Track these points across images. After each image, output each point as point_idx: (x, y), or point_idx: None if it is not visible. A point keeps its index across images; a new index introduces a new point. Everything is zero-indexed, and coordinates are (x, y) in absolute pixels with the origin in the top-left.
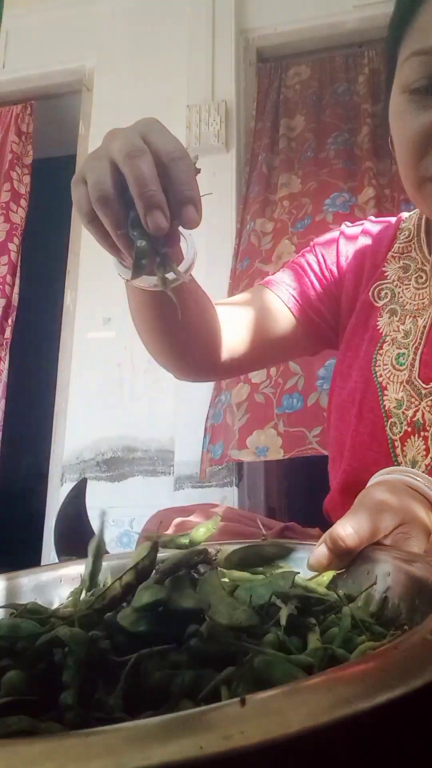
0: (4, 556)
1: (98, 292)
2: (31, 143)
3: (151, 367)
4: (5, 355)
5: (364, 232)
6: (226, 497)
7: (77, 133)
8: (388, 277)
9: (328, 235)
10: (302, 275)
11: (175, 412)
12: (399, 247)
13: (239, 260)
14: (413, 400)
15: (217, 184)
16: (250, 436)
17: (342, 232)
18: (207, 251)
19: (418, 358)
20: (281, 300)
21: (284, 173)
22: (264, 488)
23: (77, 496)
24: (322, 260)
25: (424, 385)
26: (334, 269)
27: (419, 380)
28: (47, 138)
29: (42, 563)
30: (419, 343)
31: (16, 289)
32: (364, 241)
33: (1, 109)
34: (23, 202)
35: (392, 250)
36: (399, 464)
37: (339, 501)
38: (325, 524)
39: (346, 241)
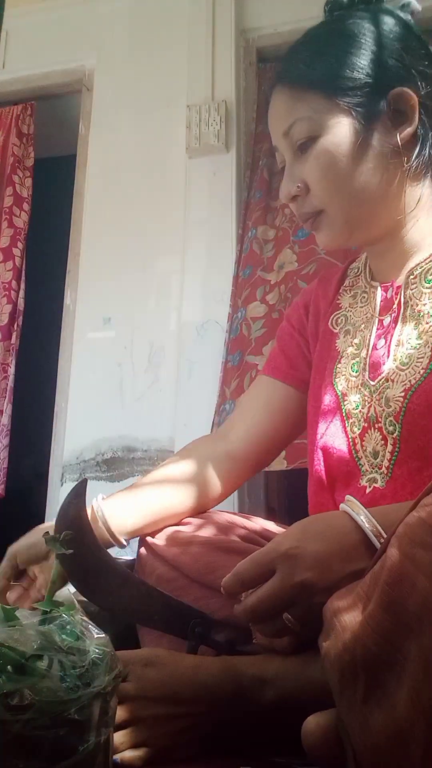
0: (4, 556)
1: (98, 292)
2: (32, 145)
3: (151, 367)
4: (12, 360)
5: (320, 280)
6: (227, 498)
7: (77, 133)
8: (342, 307)
9: (293, 304)
10: (288, 344)
11: (175, 412)
12: (349, 282)
13: (242, 268)
14: (366, 399)
15: (217, 184)
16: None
17: (302, 293)
18: (207, 251)
19: (367, 362)
20: (282, 382)
21: None
22: (264, 488)
23: (77, 496)
24: (294, 324)
25: (372, 383)
26: (304, 320)
27: (369, 380)
28: (47, 138)
29: None
30: (367, 350)
31: (22, 294)
32: (319, 287)
33: (1, 110)
34: (26, 206)
35: (344, 285)
36: (359, 458)
37: (313, 502)
38: None
39: (304, 297)
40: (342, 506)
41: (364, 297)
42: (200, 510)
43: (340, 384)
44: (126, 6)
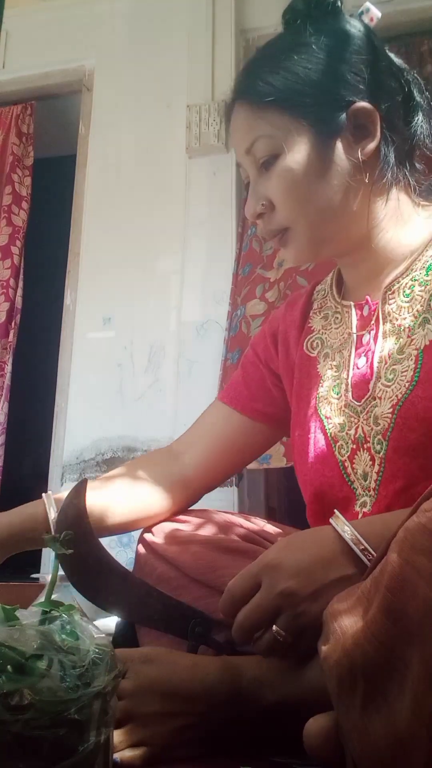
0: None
1: (98, 292)
2: (32, 144)
3: (151, 366)
4: (9, 358)
5: (286, 306)
6: (227, 497)
7: (77, 133)
8: (315, 329)
9: (259, 332)
10: (252, 375)
11: (175, 412)
12: (318, 304)
13: (241, 266)
14: (353, 419)
15: (217, 183)
16: None
17: (268, 320)
18: (207, 251)
19: (348, 382)
20: (239, 413)
21: None
22: (264, 488)
23: (77, 496)
24: (260, 354)
25: (357, 403)
26: (272, 351)
27: (354, 400)
28: (47, 138)
29: (42, 563)
30: (347, 371)
31: (20, 292)
32: (286, 313)
33: (1, 110)
34: (25, 204)
35: (312, 308)
36: (351, 482)
37: (309, 514)
38: None
39: (270, 325)
40: (330, 520)
41: (336, 317)
42: (145, 523)
43: (323, 408)
44: (126, 6)
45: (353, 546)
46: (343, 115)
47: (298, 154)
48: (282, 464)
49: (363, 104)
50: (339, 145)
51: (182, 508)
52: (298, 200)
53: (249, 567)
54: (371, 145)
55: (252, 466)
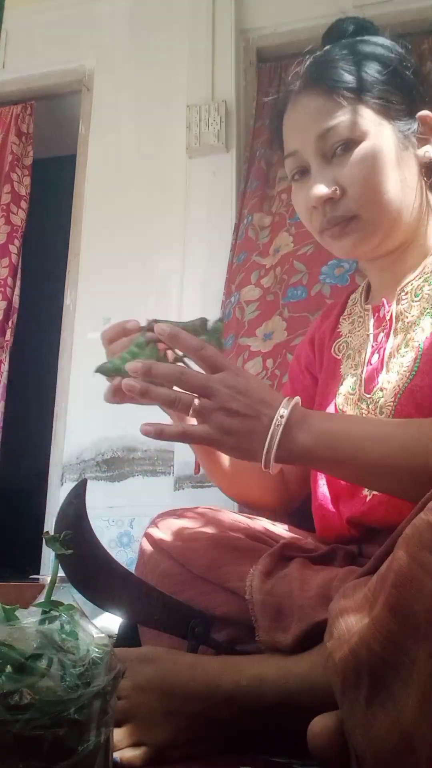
0: (4, 556)
1: (98, 292)
2: (31, 144)
3: None
4: (5, 357)
5: (323, 314)
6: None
7: (77, 133)
8: (343, 334)
9: (300, 343)
10: (300, 385)
11: None
12: (349, 311)
13: (236, 254)
14: (363, 411)
15: (217, 183)
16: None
17: (308, 329)
18: (207, 251)
19: (363, 377)
20: None
21: (283, 168)
22: None
23: (77, 496)
24: (302, 362)
25: (368, 396)
26: (311, 356)
27: (365, 393)
28: (47, 138)
29: (42, 563)
30: (363, 368)
31: (17, 291)
32: (322, 320)
33: (0, 110)
34: (23, 204)
35: (343, 315)
36: None
37: (318, 517)
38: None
39: (309, 332)
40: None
41: (360, 321)
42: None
43: (341, 404)
44: (126, 6)
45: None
46: (413, 119)
47: (381, 141)
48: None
49: (427, 113)
50: (411, 145)
51: (284, 505)
52: (375, 187)
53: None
54: (430, 150)
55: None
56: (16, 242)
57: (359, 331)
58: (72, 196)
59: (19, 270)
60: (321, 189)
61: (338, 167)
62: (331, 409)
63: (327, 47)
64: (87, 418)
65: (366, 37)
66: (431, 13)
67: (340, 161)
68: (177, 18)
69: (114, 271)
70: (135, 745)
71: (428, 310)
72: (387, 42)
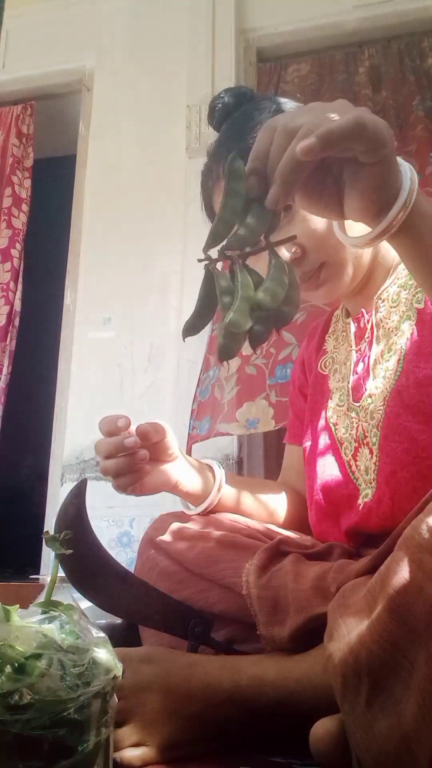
0: (4, 556)
1: (98, 292)
2: (31, 145)
3: (151, 367)
4: (7, 361)
5: (308, 334)
6: None
7: (77, 133)
8: (328, 350)
9: (293, 366)
10: (299, 408)
11: (176, 412)
12: (333, 328)
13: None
14: (354, 419)
15: None
16: (240, 408)
17: (299, 352)
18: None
19: (350, 387)
20: (297, 445)
21: None
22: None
23: (77, 496)
24: (296, 385)
25: (356, 404)
26: (302, 377)
27: (354, 402)
28: (47, 138)
29: (42, 563)
30: (349, 378)
31: (19, 295)
32: (309, 340)
33: (0, 110)
34: (24, 207)
35: (328, 332)
36: (356, 479)
37: (317, 531)
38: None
39: (299, 354)
40: None
41: (344, 335)
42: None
43: (332, 418)
44: (126, 6)
45: None
46: None
47: None
48: (270, 428)
49: None
50: None
51: (303, 520)
52: (329, 233)
53: None
54: None
55: (239, 431)
56: (18, 246)
57: (343, 345)
58: (72, 196)
59: (21, 273)
60: (283, 255)
61: (288, 227)
62: (321, 422)
63: (221, 128)
64: (87, 418)
65: (246, 107)
66: (431, 13)
67: (286, 222)
68: (177, 18)
69: (114, 271)
70: (135, 745)
71: (407, 314)
72: (268, 103)
